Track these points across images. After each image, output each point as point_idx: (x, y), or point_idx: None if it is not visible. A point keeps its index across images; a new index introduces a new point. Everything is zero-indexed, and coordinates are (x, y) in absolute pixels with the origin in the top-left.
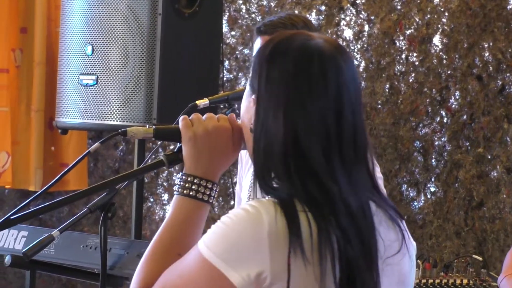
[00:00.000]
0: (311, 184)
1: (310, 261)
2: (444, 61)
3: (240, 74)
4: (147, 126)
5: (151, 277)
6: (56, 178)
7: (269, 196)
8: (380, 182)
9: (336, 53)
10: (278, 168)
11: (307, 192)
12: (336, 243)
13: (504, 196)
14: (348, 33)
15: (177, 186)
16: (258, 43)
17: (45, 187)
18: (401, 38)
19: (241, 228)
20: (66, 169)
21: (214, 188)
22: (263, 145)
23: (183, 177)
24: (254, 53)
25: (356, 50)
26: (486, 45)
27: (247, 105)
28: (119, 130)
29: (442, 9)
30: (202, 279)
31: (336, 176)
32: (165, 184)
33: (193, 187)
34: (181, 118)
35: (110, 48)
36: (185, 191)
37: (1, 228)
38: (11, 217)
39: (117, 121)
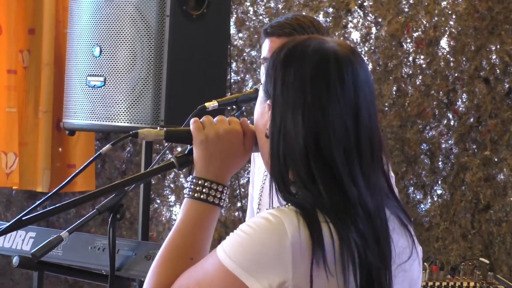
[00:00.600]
0: (333, 188)
1: (333, 273)
2: (451, 64)
3: (247, 76)
4: (158, 128)
5: (165, 281)
6: (68, 179)
7: (289, 204)
8: (392, 181)
9: (351, 56)
10: (300, 171)
11: (329, 197)
12: (357, 251)
13: (511, 199)
14: (355, 35)
15: (188, 189)
16: (266, 44)
17: (56, 188)
18: (409, 40)
19: (264, 238)
20: (77, 170)
21: (225, 191)
22: (282, 150)
23: (194, 180)
24: (262, 55)
25: (363, 53)
26: (493, 48)
27: (261, 111)
28: (131, 132)
29: (450, 12)
30: (222, 287)
31: (356, 179)
32: (172, 185)
33: (204, 190)
34: (192, 120)
35: (118, 50)
36: (195, 194)
37: (12, 229)
38: (23, 218)
39: (124, 122)
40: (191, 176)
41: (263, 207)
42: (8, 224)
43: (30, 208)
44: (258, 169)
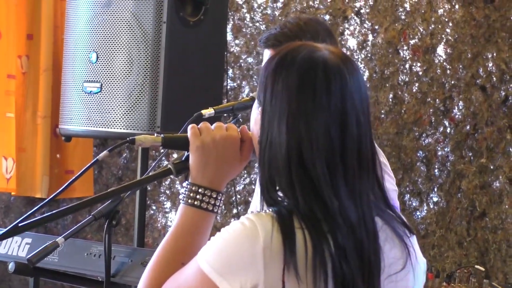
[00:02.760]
0: (312, 198)
1: (303, 280)
2: (448, 71)
3: (244, 82)
4: (155, 135)
5: (156, 285)
6: (65, 185)
7: (270, 209)
8: (394, 195)
9: (341, 64)
10: (281, 179)
11: (307, 207)
12: (331, 262)
13: (507, 206)
14: (352, 43)
15: (183, 195)
16: (266, 54)
17: (53, 194)
18: (405, 48)
19: (237, 242)
20: (75, 176)
21: (219, 198)
22: (268, 156)
23: (189, 186)
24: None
25: (360, 60)
26: (490, 56)
27: (255, 118)
28: (128, 138)
29: (447, 19)
30: None
31: (338, 189)
32: (167, 192)
33: (198, 196)
34: (189, 126)
35: (114, 56)
36: (189, 201)
37: (9, 235)
38: (20, 224)
39: (121, 128)
40: (186, 182)
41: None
42: (4, 230)
43: (27, 214)
44: None
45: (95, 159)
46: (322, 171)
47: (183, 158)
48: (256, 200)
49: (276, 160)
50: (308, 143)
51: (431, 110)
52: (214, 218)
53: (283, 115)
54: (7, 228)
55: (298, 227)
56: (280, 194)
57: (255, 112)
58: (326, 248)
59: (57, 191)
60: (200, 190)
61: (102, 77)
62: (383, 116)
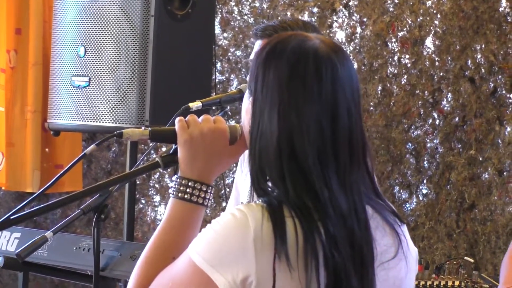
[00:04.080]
0: (302, 188)
1: (295, 268)
2: (437, 63)
3: (232, 75)
4: (143, 128)
5: (146, 280)
6: (53, 180)
7: (260, 200)
8: None
9: (331, 53)
10: (272, 170)
11: (297, 196)
12: (322, 250)
13: (496, 198)
14: (340, 35)
15: (172, 189)
16: (257, 45)
17: (42, 189)
18: (394, 40)
19: (228, 233)
20: (62, 171)
21: (209, 191)
22: (258, 147)
23: (178, 180)
24: (251, 57)
25: (348, 52)
26: (478, 47)
27: (246, 108)
28: (115, 132)
29: (435, 11)
30: (191, 283)
31: (329, 179)
32: (156, 185)
33: (188, 190)
34: (177, 119)
35: (102, 50)
36: (179, 194)
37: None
38: (11, 217)
39: (109, 122)
40: (175, 176)
41: None
42: None
43: (16, 208)
44: (247, 175)
45: (83, 153)
46: (313, 161)
47: (170, 151)
48: (236, 193)
49: (267, 150)
50: (299, 134)
51: (420, 102)
52: (204, 212)
53: (274, 105)
54: None
55: (289, 216)
56: (269, 184)
57: (246, 102)
58: (317, 237)
59: (46, 185)
60: (190, 184)
61: (90, 71)
62: (372, 108)
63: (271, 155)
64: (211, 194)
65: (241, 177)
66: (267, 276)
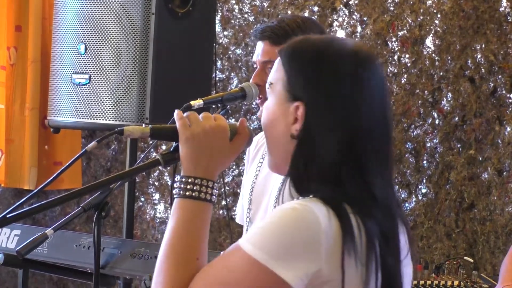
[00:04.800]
0: (361, 188)
1: (362, 263)
2: (437, 63)
3: (232, 74)
4: (144, 125)
5: (176, 286)
6: (53, 177)
7: (311, 196)
8: None
9: (374, 57)
10: (327, 170)
11: (356, 194)
12: (378, 246)
13: (495, 198)
14: (340, 34)
15: (178, 189)
16: (259, 47)
17: (41, 185)
18: (394, 39)
19: (295, 226)
20: (62, 168)
21: (215, 187)
22: (308, 150)
23: (183, 179)
24: (257, 58)
25: None
26: (478, 47)
27: (282, 112)
28: (116, 129)
29: (435, 11)
30: (254, 282)
31: (383, 180)
32: (156, 183)
33: (195, 187)
34: (177, 117)
35: (103, 47)
36: (187, 193)
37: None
38: (7, 216)
39: (109, 120)
40: (179, 176)
41: (254, 203)
42: None
43: (15, 205)
44: (253, 160)
45: (84, 149)
46: (371, 162)
47: (171, 149)
48: (247, 190)
49: (324, 152)
50: (362, 136)
51: (419, 102)
52: (212, 209)
53: (332, 109)
54: None
55: (350, 212)
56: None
57: (281, 107)
58: (375, 234)
59: (45, 182)
60: (196, 181)
61: (91, 68)
62: None
63: (329, 157)
64: (216, 191)
65: (247, 174)
66: (335, 270)
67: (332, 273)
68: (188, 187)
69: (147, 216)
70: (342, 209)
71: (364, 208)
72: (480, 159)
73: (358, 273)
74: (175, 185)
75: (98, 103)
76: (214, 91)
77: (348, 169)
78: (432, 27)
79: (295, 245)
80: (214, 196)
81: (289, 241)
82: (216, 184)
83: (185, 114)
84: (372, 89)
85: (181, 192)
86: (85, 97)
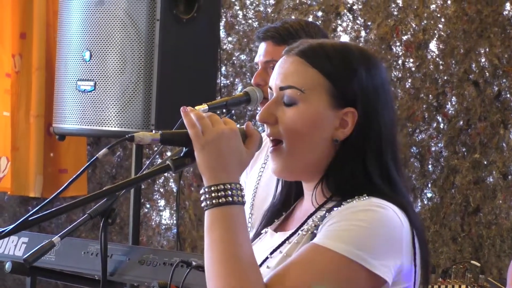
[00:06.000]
0: (403, 185)
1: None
2: (441, 67)
3: (237, 79)
4: (153, 131)
5: None
6: (65, 185)
7: (371, 197)
8: None
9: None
10: (380, 172)
11: (404, 193)
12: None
13: (500, 201)
14: (345, 39)
15: (208, 201)
16: (262, 48)
17: (54, 194)
18: (398, 43)
19: (385, 226)
20: (75, 176)
21: (242, 189)
22: (361, 153)
23: (212, 188)
24: (259, 59)
25: None
26: (482, 51)
27: (326, 117)
28: (127, 136)
29: (439, 15)
30: (346, 281)
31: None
32: (161, 190)
33: (226, 193)
34: (189, 125)
35: (108, 54)
36: (220, 200)
37: (16, 231)
38: (29, 219)
39: (115, 127)
40: (205, 188)
41: (256, 209)
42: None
43: (32, 211)
44: (251, 169)
45: (95, 157)
46: (400, 161)
47: (181, 154)
48: (249, 194)
49: (373, 155)
50: (396, 137)
51: (424, 106)
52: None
53: (383, 114)
54: (15, 224)
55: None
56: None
57: (316, 111)
58: (423, 227)
59: (59, 190)
60: (225, 187)
61: (96, 75)
62: None
63: (379, 158)
64: (244, 193)
65: (247, 177)
66: (409, 267)
67: (408, 267)
68: (219, 194)
69: (153, 223)
70: (404, 204)
71: (409, 203)
72: (485, 162)
73: (418, 271)
74: (201, 198)
75: (103, 110)
76: (219, 97)
77: (392, 167)
78: (436, 31)
79: (387, 243)
80: (244, 198)
81: (382, 240)
82: (241, 185)
83: (192, 115)
84: (391, 90)
85: (214, 201)
86: (90, 104)
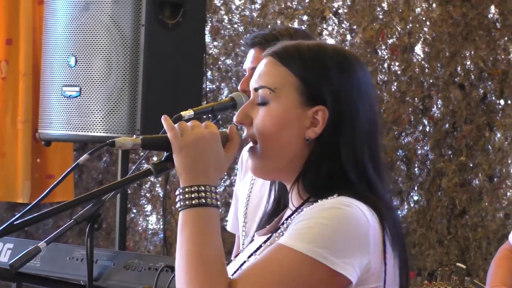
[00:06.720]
0: (381, 186)
1: (395, 256)
2: (426, 70)
3: (222, 84)
4: (134, 136)
5: None
6: (48, 190)
7: (340, 195)
8: None
9: None
10: (354, 171)
11: (380, 191)
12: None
13: (486, 204)
14: (330, 43)
15: (182, 202)
16: (251, 54)
17: (37, 199)
18: (383, 47)
19: (348, 223)
20: (56, 181)
21: (217, 193)
22: (334, 152)
23: (186, 189)
24: (247, 65)
25: None
26: (467, 54)
27: (296, 116)
28: (107, 141)
29: (424, 18)
30: (309, 280)
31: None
32: (148, 195)
33: (200, 195)
34: (168, 128)
35: (93, 59)
36: (193, 202)
37: (2, 234)
38: (15, 223)
39: (100, 132)
40: (180, 189)
41: (250, 216)
42: None
43: (16, 217)
44: (244, 176)
45: (76, 163)
46: (380, 160)
47: (163, 159)
48: (235, 200)
49: (346, 153)
50: (376, 139)
51: (410, 109)
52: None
53: (355, 111)
54: None
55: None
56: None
57: (296, 110)
58: (400, 224)
59: (41, 195)
60: (200, 188)
61: (81, 81)
62: None
63: (353, 156)
64: (219, 196)
65: (240, 184)
66: (379, 264)
67: (377, 266)
68: (193, 195)
69: (139, 228)
70: (376, 203)
71: (386, 202)
72: (471, 165)
73: (394, 264)
74: (177, 199)
75: (89, 116)
76: (205, 102)
77: (369, 166)
78: (421, 35)
79: (350, 241)
80: (218, 202)
81: (344, 238)
82: (216, 188)
83: (176, 125)
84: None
85: (187, 202)
86: (76, 109)
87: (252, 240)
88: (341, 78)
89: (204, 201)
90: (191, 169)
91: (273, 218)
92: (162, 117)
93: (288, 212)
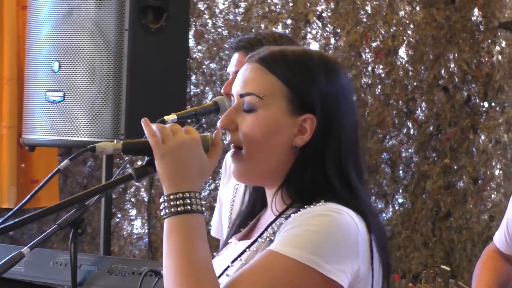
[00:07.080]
0: (365, 193)
1: (378, 266)
2: (410, 73)
3: (207, 88)
4: (115, 141)
5: None
6: (29, 195)
7: (328, 202)
8: None
9: None
10: (339, 178)
11: (365, 198)
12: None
13: (471, 206)
14: (314, 46)
15: (167, 209)
16: (235, 58)
17: (20, 204)
18: (367, 50)
19: (338, 230)
20: (38, 186)
21: (201, 198)
22: (320, 159)
23: (170, 196)
24: (231, 69)
25: None
26: (451, 57)
27: (285, 124)
28: (88, 146)
29: (408, 21)
30: (300, 286)
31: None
32: (132, 199)
33: (185, 201)
34: (149, 134)
35: (77, 64)
36: (179, 209)
37: None
38: None
39: (84, 137)
40: (164, 196)
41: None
42: None
43: (2, 219)
44: (228, 181)
45: (57, 168)
46: (364, 166)
47: (144, 163)
48: (219, 205)
49: (332, 160)
50: (358, 145)
51: (394, 112)
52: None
53: (344, 120)
54: None
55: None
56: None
57: (274, 118)
58: (384, 231)
59: (23, 201)
60: (184, 195)
61: (65, 85)
62: None
63: (339, 163)
64: (203, 202)
65: (224, 189)
66: (367, 270)
67: (365, 271)
68: (178, 202)
69: (124, 232)
70: (362, 209)
71: (369, 209)
72: (456, 167)
73: (379, 269)
74: (161, 206)
75: (73, 120)
76: (189, 106)
77: (352, 172)
78: (405, 38)
79: (342, 248)
80: (203, 208)
81: (336, 244)
82: (200, 194)
83: (154, 126)
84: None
85: (172, 209)
86: (60, 114)
87: (226, 243)
88: (328, 85)
89: (189, 207)
90: (174, 176)
91: (247, 222)
92: (142, 120)
93: (270, 217)
